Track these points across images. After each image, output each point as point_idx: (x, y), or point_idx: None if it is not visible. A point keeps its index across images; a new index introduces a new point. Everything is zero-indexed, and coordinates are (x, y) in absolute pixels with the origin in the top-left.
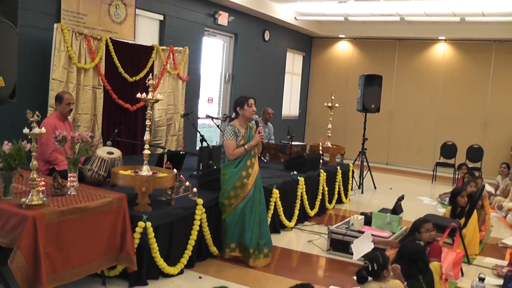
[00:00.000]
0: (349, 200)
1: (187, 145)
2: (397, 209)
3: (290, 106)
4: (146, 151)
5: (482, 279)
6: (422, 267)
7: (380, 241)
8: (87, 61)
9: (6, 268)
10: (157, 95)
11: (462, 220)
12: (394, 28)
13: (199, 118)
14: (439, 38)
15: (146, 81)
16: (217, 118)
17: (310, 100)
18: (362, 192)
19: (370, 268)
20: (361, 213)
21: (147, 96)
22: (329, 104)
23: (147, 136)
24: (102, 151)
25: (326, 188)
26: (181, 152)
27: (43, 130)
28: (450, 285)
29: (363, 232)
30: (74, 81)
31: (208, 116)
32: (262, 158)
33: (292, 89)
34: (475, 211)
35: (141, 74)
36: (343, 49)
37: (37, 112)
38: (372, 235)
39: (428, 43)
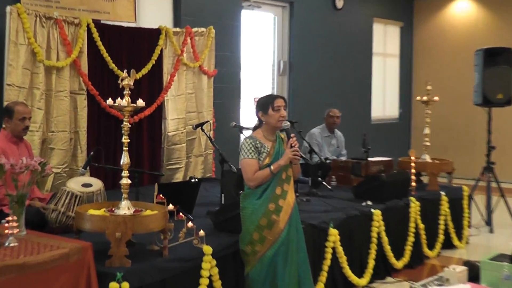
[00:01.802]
0: (467, 243)
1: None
2: None
3: (385, 104)
4: (125, 180)
5: None
6: None
7: None
8: (61, 56)
9: None
10: (139, 101)
11: None
12: None
13: (236, 126)
14: None
15: (119, 81)
16: (247, 129)
17: (417, 92)
18: (491, 231)
19: None
20: (464, 263)
21: (122, 103)
22: (424, 98)
23: (124, 159)
24: (75, 183)
25: (422, 226)
26: (193, 180)
27: None
28: None
29: None
30: (41, 86)
31: (236, 126)
32: (324, 183)
33: (386, 78)
34: None
35: (144, 70)
36: (461, 11)
37: None
38: None
39: None
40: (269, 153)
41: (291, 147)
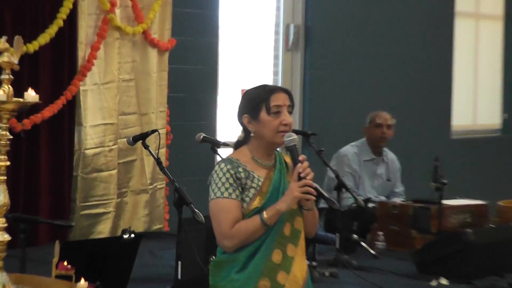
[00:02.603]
0: None
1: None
2: None
3: (476, 106)
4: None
5: None
6: None
7: None
8: None
9: None
10: (30, 92)
11: None
12: None
13: (207, 141)
14: None
15: None
16: (227, 145)
17: None
18: None
19: None
20: None
21: None
22: None
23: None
24: None
25: None
26: (126, 236)
27: None
28: None
29: None
30: None
31: (206, 140)
32: (363, 245)
33: (479, 58)
34: None
35: (42, 39)
36: None
37: None
38: None
39: None
40: (260, 189)
41: (300, 178)
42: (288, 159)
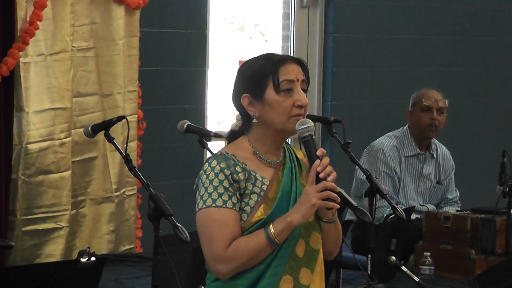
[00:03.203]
0: None
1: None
2: None
3: None
4: None
5: None
6: None
7: None
8: None
9: None
10: None
11: None
12: None
13: (191, 131)
14: None
15: None
16: (219, 136)
17: None
18: None
19: None
20: None
21: None
22: None
23: None
24: None
25: None
26: (85, 260)
27: None
28: None
29: None
30: None
31: (191, 130)
32: (404, 269)
33: None
34: None
35: None
36: None
37: None
38: None
39: None
40: (266, 195)
41: (318, 180)
42: (301, 155)
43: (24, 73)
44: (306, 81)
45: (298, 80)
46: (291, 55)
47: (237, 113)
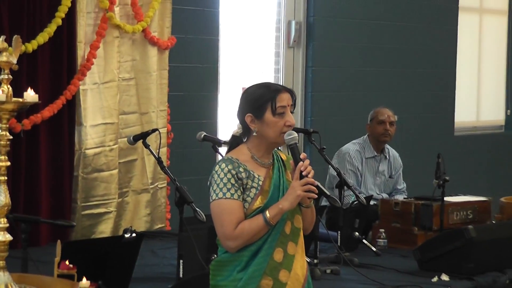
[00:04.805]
0: None
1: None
2: None
3: (479, 102)
4: (1, 236)
5: None
6: None
7: None
8: None
9: None
10: (29, 92)
11: None
12: None
13: (208, 139)
14: None
15: None
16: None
17: None
18: None
19: None
20: None
21: None
22: None
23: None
24: None
25: None
26: (128, 235)
27: None
28: None
29: None
30: None
31: (207, 139)
32: (365, 242)
33: (483, 53)
34: None
35: (41, 38)
36: None
37: None
38: None
39: None
40: (262, 189)
41: (302, 176)
42: (284, 156)
43: (83, 97)
44: (293, 105)
45: (288, 105)
46: (281, 83)
47: (238, 123)
